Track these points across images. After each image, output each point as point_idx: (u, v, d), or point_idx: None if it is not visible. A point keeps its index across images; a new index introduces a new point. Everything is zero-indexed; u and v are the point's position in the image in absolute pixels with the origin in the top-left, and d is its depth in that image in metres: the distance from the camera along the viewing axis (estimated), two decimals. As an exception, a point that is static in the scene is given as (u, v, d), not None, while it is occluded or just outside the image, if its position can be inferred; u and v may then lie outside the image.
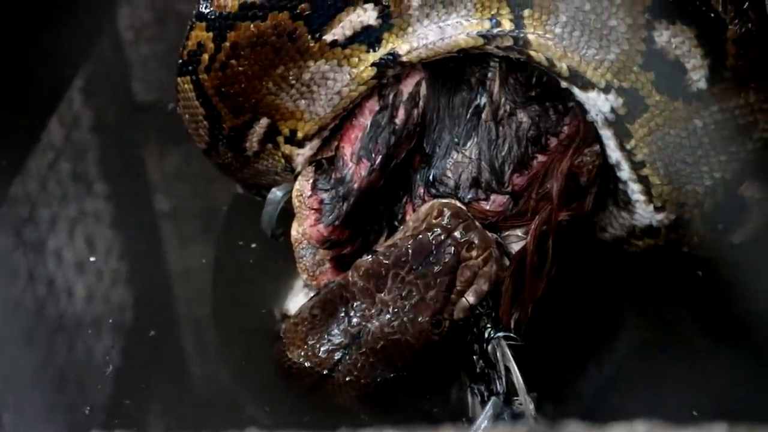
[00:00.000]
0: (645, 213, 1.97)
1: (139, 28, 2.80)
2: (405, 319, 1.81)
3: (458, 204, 1.86)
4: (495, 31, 1.83)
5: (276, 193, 2.09)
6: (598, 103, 1.85)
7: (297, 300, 2.05)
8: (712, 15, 1.73)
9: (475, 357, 1.83)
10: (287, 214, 2.08)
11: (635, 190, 1.94)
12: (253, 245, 2.32)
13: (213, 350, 2.22)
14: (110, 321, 2.18)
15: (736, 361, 2.02)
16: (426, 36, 1.85)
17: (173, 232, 2.46)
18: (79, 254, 2.34)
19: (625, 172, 1.92)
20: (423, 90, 1.93)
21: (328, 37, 1.86)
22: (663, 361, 2.07)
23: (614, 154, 1.91)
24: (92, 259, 2.32)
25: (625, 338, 2.14)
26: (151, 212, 2.49)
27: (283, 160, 2.03)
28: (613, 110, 1.85)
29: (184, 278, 2.35)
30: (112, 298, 2.25)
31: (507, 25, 1.83)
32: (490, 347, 1.82)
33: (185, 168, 2.56)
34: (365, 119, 1.95)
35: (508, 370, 1.79)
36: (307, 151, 2.00)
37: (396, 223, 1.97)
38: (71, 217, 2.42)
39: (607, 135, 1.89)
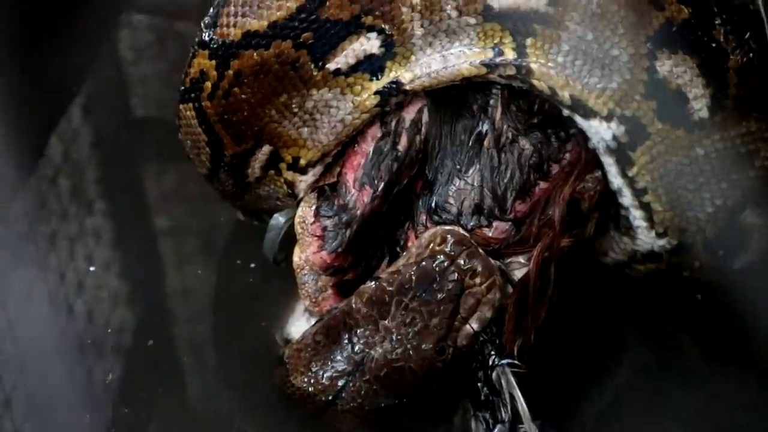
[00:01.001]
0: (647, 239, 1.98)
1: (139, 48, 2.81)
2: (408, 346, 1.82)
3: (461, 231, 1.87)
4: (498, 60, 1.84)
5: (278, 219, 2.10)
6: (600, 131, 1.86)
7: (299, 324, 2.06)
8: (714, 45, 1.74)
9: (479, 384, 1.84)
10: (289, 238, 2.08)
11: (637, 216, 1.95)
12: (253, 265, 2.33)
13: (213, 372, 2.22)
14: (109, 341, 2.18)
15: (737, 385, 2.05)
16: (429, 65, 1.86)
17: (172, 251, 2.46)
18: (78, 273, 2.33)
19: (626, 199, 1.93)
20: (425, 117, 1.94)
21: (331, 66, 1.86)
22: (664, 385, 2.09)
23: (616, 180, 1.92)
24: (91, 278, 2.32)
25: (626, 362, 2.15)
26: (150, 231, 2.49)
27: (285, 186, 2.04)
28: (615, 138, 1.86)
29: (183, 298, 2.35)
30: (111, 317, 2.25)
31: (510, 54, 1.83)
32: (494, 374, 1.82)
33: (184, 187, 2.55)
34: (368, 146, 1.96)
35: (512, 397, 1.80)
36: (309, 177, 2.00)
37: (398, 249, 1.98)
38: (71, 234, 2.42)
39: (608, 162, 1.90)
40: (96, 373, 2.14)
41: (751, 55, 1.74)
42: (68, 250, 2.38)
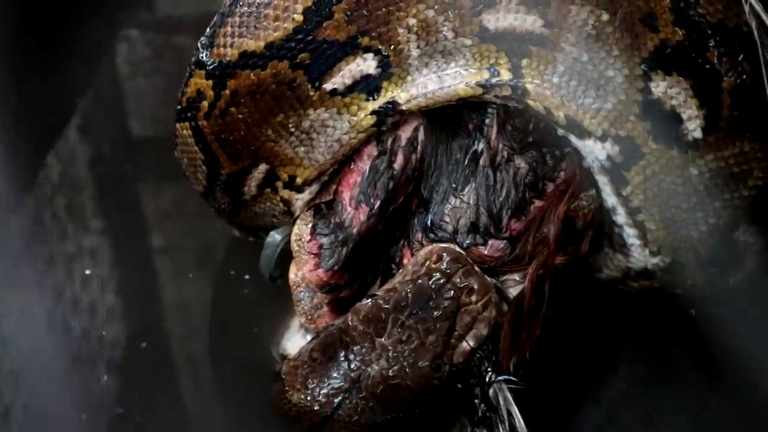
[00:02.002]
0: (640, 256, 1.99)
1: (136, 62, 2.80)
2: (405, 363, 1.82)
3: (457, 249, 1.88)
4: (494, 80, 1.85)
5: (275, 237, 2.11)
6: (594, 151, 1.88)
7: (294, 340, 2.07)
8: (708, 66, 1.75)
9: (477, 401, 1.85)
10: (285, 255, 2.09)
11: (631, 235, 1.96)
12: (249, 282, 2.33)
13: (209, 387, 2.23)
14: (105, 358, 2.18)
15: (730, 399, 2.06)
16: (425, 85, 1.87)
17: (168, 269, 2.46)
18: (75, 290, 2.34)
19: (620, 217, 1.95)
20: (421, 135, 1.95)
21: (328, 86, 1.87)
22: (658, 398, 2.10)
23: (610, 199, 1.94)
24: (87, 296, 2.32)
25: (621, 376, 2.16)
26: (146, 248, 2.49)
27: (281, 205, 2.04)
28: (609, 158, 1.87)
29: (180, 314, 2.35)
30: (107, 334, 2.25)
31: (505, 74, 1.85)
32: (491, 391, 1.84)
33: (181, 204, 2.56)
34: (364, 164, 1.97)
35: (510, 413, 1.81)
36: (306, 195, 2.01)
37: (393, 266, 1.99)
38: (68, 253, 2.42)
39: (603, 181, 1.92)
40: (92, 389, 2.14)
41: (744, 76, 1.75)
42: (66, 269, 2.38)
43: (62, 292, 2.33)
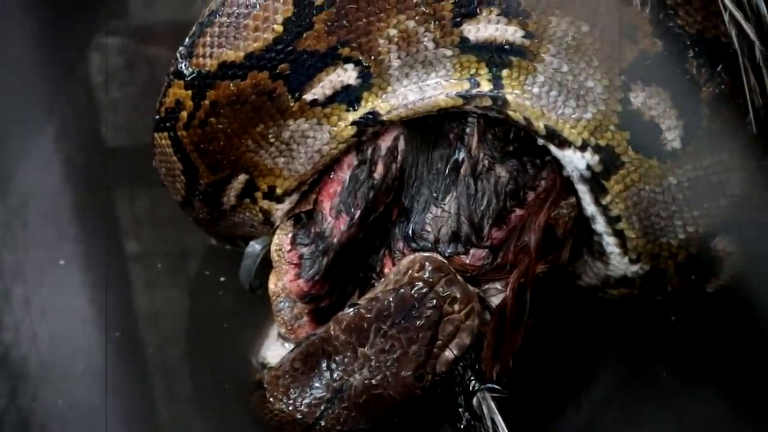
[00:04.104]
0: (620, 264, 2.00)
1: (109, 72, 2.78)
2: (388, 373, 1.82)
3: (440, 258, 1.88)
4: (474, 91, 1.85)
5: (255, 247, 2.10)
6: (574, 161, 1.88)
7: (274, 348, 2.06)
8: (687, 77, 1.77)
9: (460, 410, 1.86)
10: (265, 264, 2.08)
11: (610, 243, 1.97)
12: (225, 289, 2.32)
13: (185, 397, 2.21)
14: (78, 367, 2.16)
15: (708, 403, 2.08)
16: (406, 96, 1.87)
17: (143, 276, 2.43)
18: (46, 298, 2.31)
19: (600, 225, 1.96)
20: (401, 145, 1.95)
21: (308, 97, 1.86)
22: (638, 403, 2.12)
23: (590, 207, 1.94)
24: (59, 303, 2.29)
25: (602, 381, 2.18)
26: (121, 256, 2.47)
27: (260, 215, 2.04)
28: (588, 167, 1.88)
29: (155, 322, 2.33)
30: (79, 343, 2.23)
31: (486, 85, 1.85)
32: (475, 400, 1.84)
33: (156, 211, 2.54)
34: (344, 173, 1.96)
35: (494, 422, 1.82)
36: (285, 205, 2.01)
37: (373, 276, 1.98)
38: (38, 262, 2.39)
39: (582, 190, 1.93)
40: (62, 400, 2.12)
41: (722, 86, 1.76)
42: (36, 277, 2.36)
43: (31, 300, 2.31)
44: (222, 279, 2.33)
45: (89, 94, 2.73)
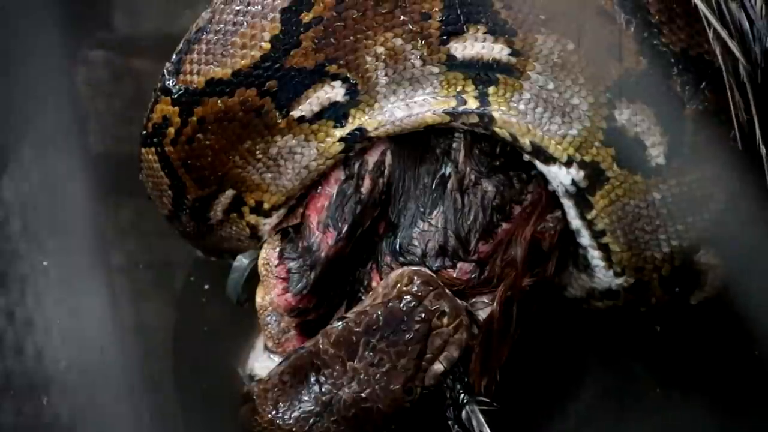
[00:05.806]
0: (604, 277, 2.02)
1: (95, 84, 2.77)
2: (377, 386, 1.84)
3: (428, 271, 1.89)
4: (461, 108, 1.87)
5: (242, 261, 2.11)
6: (559, 176, 1.90)
7: (261, 360, 2.06)
8: (671, 94, 1.78)
9: (450, 422, 1.87)
10: (252, 278, 2.09)
11: (595, 256, 1.99)
12: (211, 300, 2.32)
13: (171, 409, 2.22)
14: (61, 381, 2.15)
15: (693, 413, 2.11)
16: (393, 113, 1.88)
17: (127, 287, 2.42)
18: (28, 311, 2.30)
19: (585, 239, 1.97)
20: (388, 160, 1.96)
21: (296, 113, 1.87)
22: (624, 412, 2.15)
23: (575, 221, 1.96)
24: (41, 316, 2.29)
25: (588, 391, 2.20)
26: (105, 267, 2.46)
27: (247, 229, 2.04)
28: (574, 183, 1.90)
29: (140, 334, 2.32)
30: (62, 356, 2.22)
31: (472, 102, 1.86)
32: (464, 413, 1.86)
33: (140, 222, 2.53)
34: (331, 188, 1.97)
35: (483, 435, 1.84)
36: (273, 220, 2.02)
37: (361, 289, 1.99)
38: (22, 273, 2.38)
39: (568, 204, 1.94)
40: (46, 414, 2.11)
41: (706, 104, 1.78)
42: (19, 290, 2.34)
43: (14, 312, 2.29)
44: (208, 290, 2.33)
45: (75, 106, 2.71)
